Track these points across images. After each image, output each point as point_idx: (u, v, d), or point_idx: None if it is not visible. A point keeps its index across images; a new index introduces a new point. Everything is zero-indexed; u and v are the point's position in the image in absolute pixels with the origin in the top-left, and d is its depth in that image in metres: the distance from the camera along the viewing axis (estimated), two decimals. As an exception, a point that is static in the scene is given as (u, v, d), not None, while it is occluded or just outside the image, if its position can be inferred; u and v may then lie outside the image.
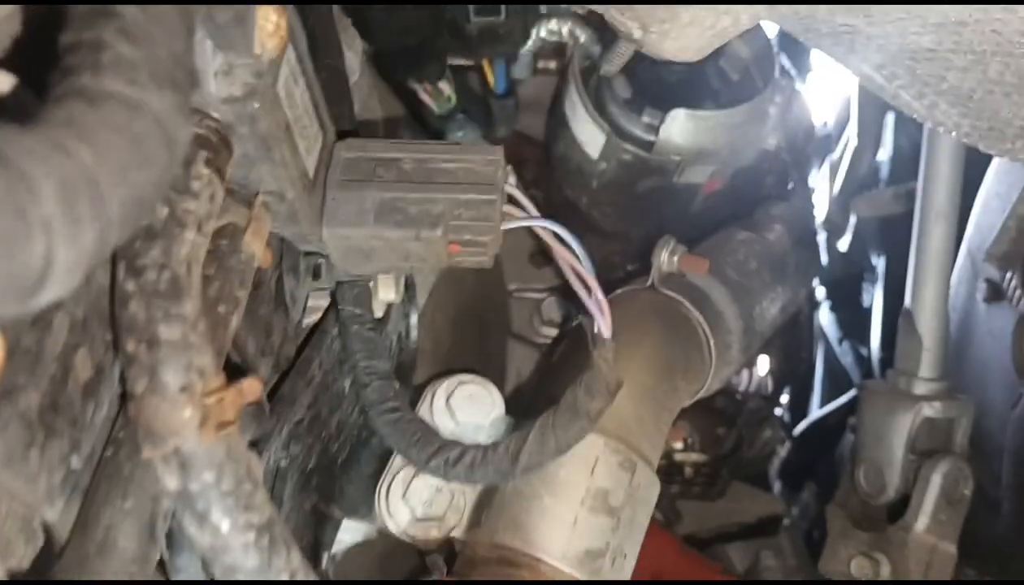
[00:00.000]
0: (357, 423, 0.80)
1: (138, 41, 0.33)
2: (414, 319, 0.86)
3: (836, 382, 1.62)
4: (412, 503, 0.77)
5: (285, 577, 0.44)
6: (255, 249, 0.52)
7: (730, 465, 1.25)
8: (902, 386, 1.00)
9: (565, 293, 1.16)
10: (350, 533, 0.83)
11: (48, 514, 0.43)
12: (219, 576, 0.44)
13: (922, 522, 0.96)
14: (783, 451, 1.54)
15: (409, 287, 0.86)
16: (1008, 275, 1.00)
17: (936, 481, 0.96)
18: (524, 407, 0.91)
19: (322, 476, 0.77)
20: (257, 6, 0.46)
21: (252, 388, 0.45)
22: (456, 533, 0.78)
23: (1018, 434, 0.96)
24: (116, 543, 0.42)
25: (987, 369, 1.04)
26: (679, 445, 1.22)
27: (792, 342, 1.34)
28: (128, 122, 0.31)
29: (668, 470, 1.23)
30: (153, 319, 0.41)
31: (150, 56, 0.33)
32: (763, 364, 1.55)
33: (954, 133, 0.75)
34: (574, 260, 0.58)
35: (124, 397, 0.47)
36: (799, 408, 1.66)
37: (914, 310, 0.99)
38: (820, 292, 1.64)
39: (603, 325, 0.59)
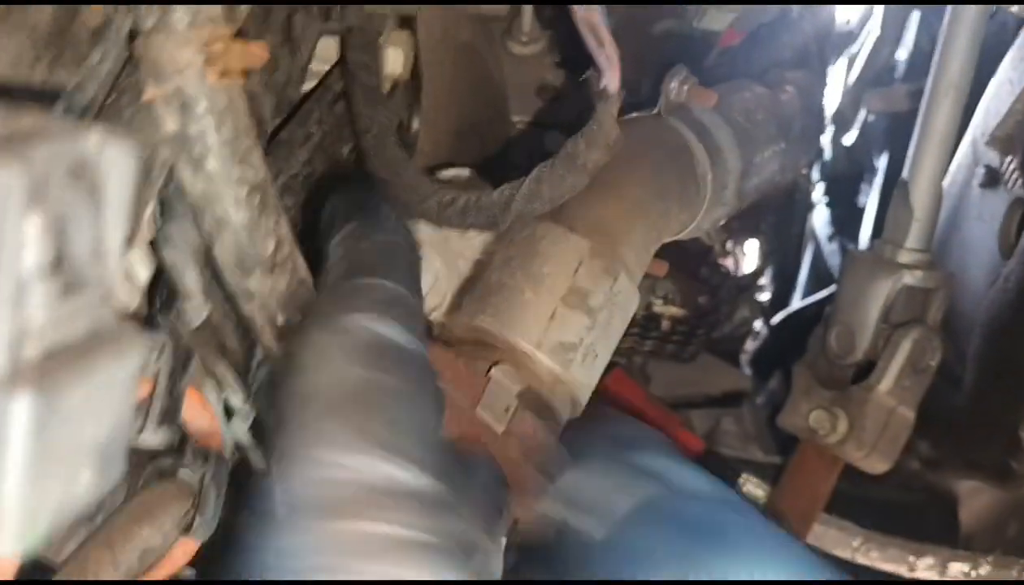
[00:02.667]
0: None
1: None
2: (417, 110, 0.86)
3: (820, 281, 1.64)
4: (396, 279, 0.78)
5: (271, 239, 0.45)
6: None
7: (705, 327, 1.27)
8: (887, 254, 1.01)
9: (568, 130, 1.16)
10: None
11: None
12: (207, 227, 0.45)
13: (885, 384, 0.98)
14: (758, 341, 1.57)
15: (416, 77, 0.85)
16: (1008, 159, 1.00)
17: (905, 347, 0.98)
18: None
19: (310, 239, 0.77)
20: None
21: (260, 49, 0.45)
22: (436, 316, 0.80)
23: (991, 310, 0.98)
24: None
25: (971, 250, 1.05)
26: (660, 301, 1.23)
27: (784, 218, 1.35)
28: None
29: (645, 322, 1.25)
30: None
31: None
32: (752, 252, 1.57)
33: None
34: (590, 12, 0.58)
35: (132, 37, 0.47)
36: (781, 303, 1.68)
37: (910, 181, 1.00)
38: (818, 190, 1.65)
39: (610, 79, 0.59)
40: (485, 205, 0.64)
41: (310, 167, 0.74)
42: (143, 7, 0.42)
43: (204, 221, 0.45)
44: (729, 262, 1.49)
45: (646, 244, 0.85)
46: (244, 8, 0.52)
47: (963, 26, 0.96)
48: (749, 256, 1.56)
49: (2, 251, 0.23)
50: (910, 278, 0.99)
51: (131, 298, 0.49)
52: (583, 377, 0.78)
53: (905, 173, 1.01)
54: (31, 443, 0.23)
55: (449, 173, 0.78)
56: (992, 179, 1.04)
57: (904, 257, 1.00)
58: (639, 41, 1.09)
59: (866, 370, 1.02)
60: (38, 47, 0.41)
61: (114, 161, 0.26)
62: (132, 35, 0.47)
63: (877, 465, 1.00)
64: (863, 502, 1.10)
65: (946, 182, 1.03)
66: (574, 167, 0.61)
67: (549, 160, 0.63)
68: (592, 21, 0.58)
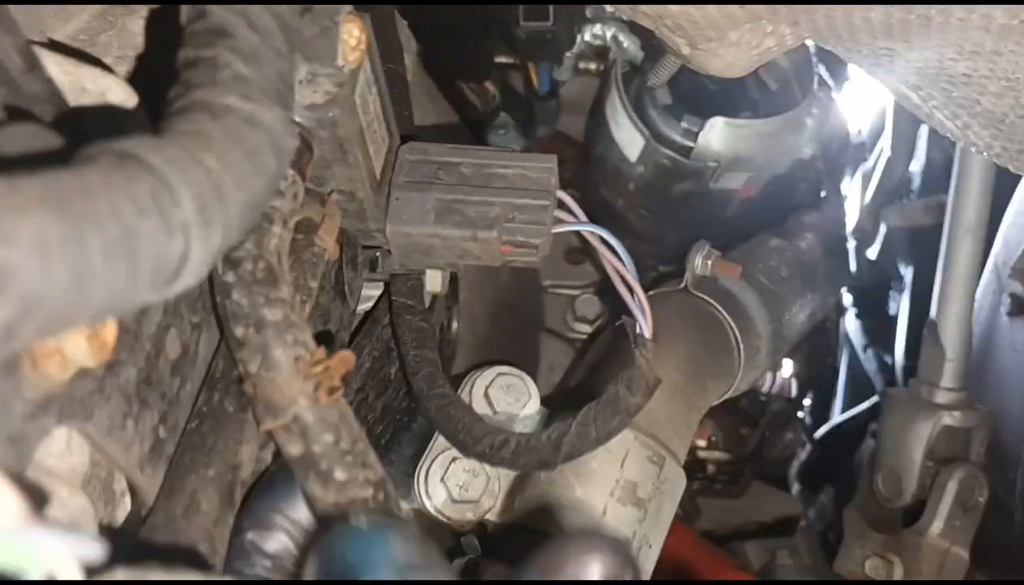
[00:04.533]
0: (400, 407, 0.84)
1: (251, 60, 0.37)
2: (456, 311, 0.90)
3: (859, 389, 1.65)
4: (450, 485, 0.81)
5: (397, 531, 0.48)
6: (327, 244, 0.56)
7: (752, 464, 1.28)
8: (924, 395, 1.03)
9: (599, 291, 1.20)
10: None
11: (138, 479, 0.47)
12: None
13: (936, 527, 0.99)
14: (803, 454, 1.57)
15: (453, 280, 0.90)
16: (1033, 290, 1.02)
17: (952, 487, 0.99)
18: (557, 400, 0.95)
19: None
20: (342, 21, 0.50)
21: (348, 358, 0.49)
22: (490, 516, 0.83)
23: (1035, 444, 0.99)
24: (200, 506, 0.46)
25: (1007, 381, 1.06)
26: (703, 443, 1.25)
27: (818, 347, 1.37)
28: (246, 134, 0.35)
29: (691, 466, 1.26)
30: (256, 304, 0.45)
31: (262, 74, 0.37)
32: (787, 368, 1.58)
33: (985, 154, 0.78)
34: (618, 263, 0.62)
35: (209, 375, 0.51)
36: (821, 413, 1.68)
37: (939, 321, 1.02)
38: (847, 299, 1.66)
39: (645, 326, 0.63)
40: (535, 447, 0.67)
41: (363, 393, 0.78)
42: (244, 353, 0.46)
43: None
44: (767, 383, 1.50)
45: (687, 423, 0.88)
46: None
47: (974, 170, 1.00)
48: (784, 372, 1.58)
49: None
50: (949, 419, 1.00)
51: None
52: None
53: (933, 313, 1.04)
54: None
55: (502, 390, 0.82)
56: (1019, 308, 1.06)
57: (941, 397, 1.01)
58: (660, 200, 1.14)
59: (916, 510, 1.02)
60: (131, 401, 0.46)
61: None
62: (208, 376, 0.51)
63: (937, 608, 1.00)
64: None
65: (973, 311, 1.05)
66: (618, 411, 0.65)
67: (594, 402, 0.66)
68: (619, 270, 0.62)
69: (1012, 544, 1.05)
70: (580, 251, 1.22)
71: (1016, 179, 1.11)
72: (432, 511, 0.82)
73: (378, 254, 0.70)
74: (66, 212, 0.27)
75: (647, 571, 0.81)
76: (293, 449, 0.46)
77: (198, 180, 0.32)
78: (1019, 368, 1.05)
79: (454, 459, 0.82)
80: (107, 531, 0.46)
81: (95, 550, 0.26)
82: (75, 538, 0.25)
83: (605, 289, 1.19)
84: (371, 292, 0.80)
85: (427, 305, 0.82)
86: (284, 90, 0.38)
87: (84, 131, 0.35)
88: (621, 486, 0.79)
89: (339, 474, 0.46)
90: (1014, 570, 1.06)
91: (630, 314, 0.63)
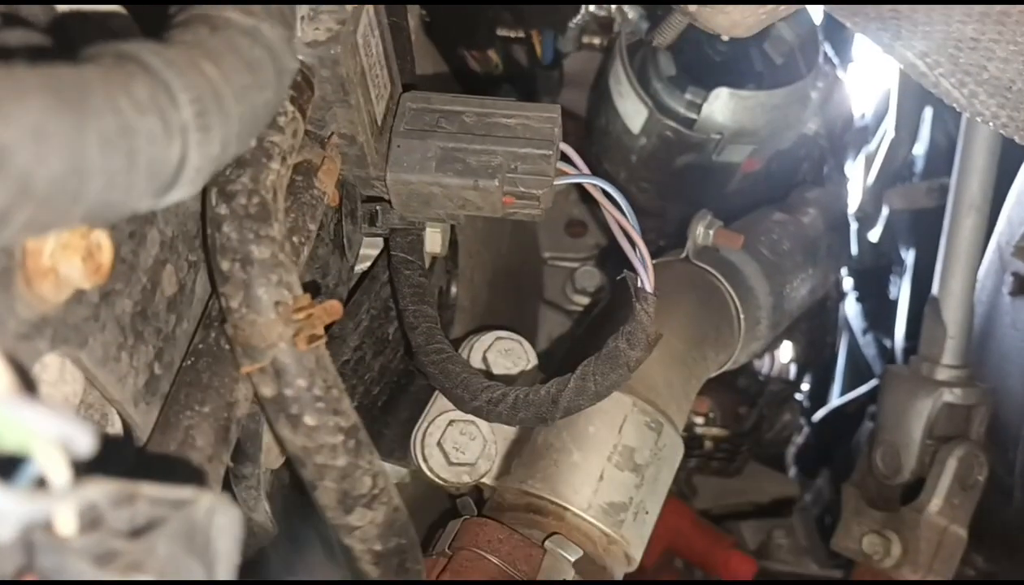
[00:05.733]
0: (398, 369, 0.84)
1: (252, -23, 0.36)
2: (455, 276, 0.90)
3: (858, 372, 1.65)
4: (446, 448, 0.81)
5: (368, 477, 0.48)
6: (326, 187, 0.55)
7: (749, 443, 1.28)
8: (924, 372, 1.02)
9: (599, 263, 1.19)
10: (384, 475, 0.87)
11: (132, 415, 0.46)
12: (308, 476, 0.48)
13: (935, 504, 0.99)
14: (801, 437, 1.57)
15: (452, 245, 0.89)
16: (1036, 269, 1.02)
17: (951, 465, 0.99)
18: (556, 367, 0.94)
19: (363, 418, 0.80)
20: (345, -43, 0.49)
21: (335, 307, 0.48)
22: (487, 480, 0.82)
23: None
24: (195, 442, 0.46)
25: (1008, 360, 1.06)
26: (701, 419, 1.25)
27: (817, 328, 1.36)
28: (246, 47, 0.34)
29: (688, 443, 1.26)
30: (245, 239, 0.45)
31: (263, -9, 0.36)
32: (787, 350, 1.58)
33: (991, 123, 0.77)
34: (620, 216, 0.61)
35: (206, 314, 0.51)
36: (820, 396, 1.68)
37: (940, 298, 1.02)
38: (847, 283, 1.66)
39: (646, 279, 0.62)
40: (533, 402, 0.67)
41: (360, 352, 0.77)
42: (228, 287, 0.46)
43: (305, 471, 0.48)
44: (765, 365, 1.50)
45: (686, 392, 0.87)
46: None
47: (979, 146, 0.99)
48: (784, 355, 1.57)
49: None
50: (950, 396, 1.00)
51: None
52: (635, 535, 0.79)
53: (935, 290, 1.03)
54: None
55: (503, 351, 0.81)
56: (1022, 288, 1.05)
57: (942, 374, 1.01)
58: (662, 173, 1.13)
59: (914, 488, 1.02)
60: (126, 333, 0.45)
61: (222, 525, 0.29)
62: (204, 315, 0.51)
63: (934, 585, 0.99)
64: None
65: (976, 289, 1.04)
66: (617, 365, 0.64)
67: (593, 357, 0.66)
68: (622, 223, 0.61)
69: (1010, 523, 1.04)
70: (580, 223, 1.21)
71: (1020, 159, 1.11)
72: (428, 474, 0.81)
73: (378, 207, 0.70)
74: (64, 101, 0.26)
75: (644, 537, 0.81)
76: (266, 390, 0.46)
77: (198, 85, 0.31)
78: (1020, 348, 1.05)
79: (451, 422, 0.81)
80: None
81: (84, 444, 0.25)
82: (64, 421, 0.25)
83: (605, 261, 1.19)
84: (370, 251, 0.79)
85: (426, 266, 0.81)
86: (287, 12, 0.37)
87: (74, 37, 0.35)
88: (619, 451, 0.79)
89: (309, 419, 0.46)
90: (1011, 549, 1.06)
91: (633, 270, 0.63)
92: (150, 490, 0.30)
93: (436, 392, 0.81)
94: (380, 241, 0.78)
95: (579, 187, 1.19)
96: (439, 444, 0.81)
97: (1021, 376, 1.04)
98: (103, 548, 0.27)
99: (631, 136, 1.10)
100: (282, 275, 0.46)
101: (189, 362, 0.49)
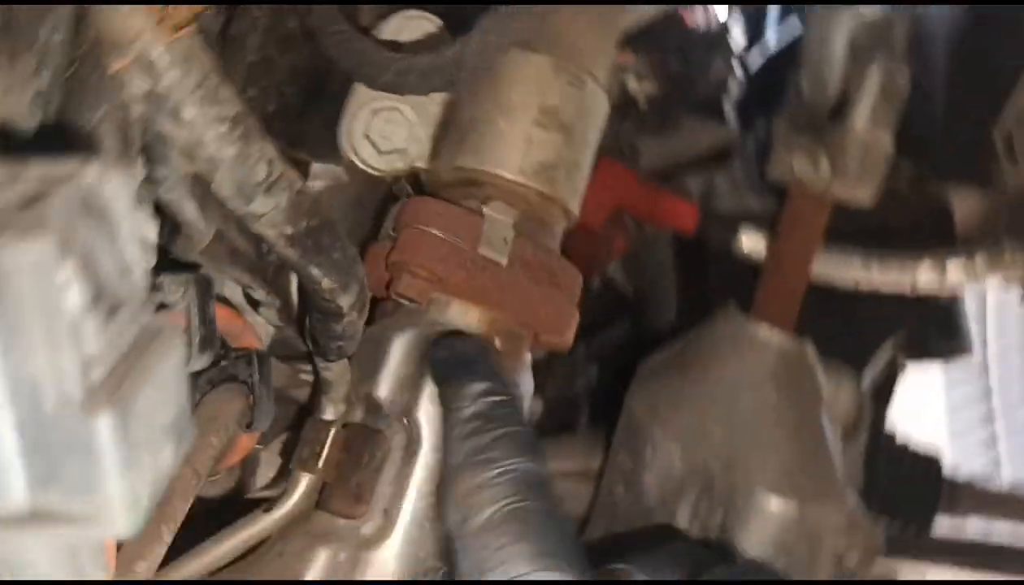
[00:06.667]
0: (311, 69, 0.82)
1: None
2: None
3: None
4: (374, 138, 0.81)
5: (262, 164, 0.49)
6: None
7: (682, 92, 1.29)
8: (845, -11, 1.01)
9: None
10: (321, 178, 0.88)
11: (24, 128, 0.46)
12: (203, 170, 0.48)
13: (860, 114, 1.01)
14: (737, 86, 1.57)
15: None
16: None
17: (874, 79, 1.00)
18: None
19: (284, 120, 0.80)
20: None
21: (204, -7, 0.46)
22: (420, 163, 0.83)
23: (956, 21, 0.99)
24: (102, 144, 0.46)
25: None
26: (632, 79, 1.24)
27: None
28: None
29: (623, 105, 1.27)
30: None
31: None
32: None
33: None
34: None
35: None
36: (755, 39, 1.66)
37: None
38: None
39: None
40: (440, 66, 0.66)
41: (264, 51, 0.75)
42: None
43: (197, 164, 0.48)
44: (699, 17, 1.47)
45: (603, 41, 0.86)
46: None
47: None
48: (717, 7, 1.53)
49: (54, 306, 0.27)
50: (868, 11, 0.99)
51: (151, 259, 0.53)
52: (570, 190, 0.82)
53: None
54: (118, 449, 0.28)
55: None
56: None
57: (862, -12, 1.00)
58: None
59: (842, 108, 1.04)
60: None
61: (116, 187, 0.30)
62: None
63: (863, 195, 1.04)
64: (862, 234, 1.14)
65: None
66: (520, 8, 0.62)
67: (493, 9, 0.64)
68: None
69: (932, 123, 1.08)
70: None
71: None
72: (362, 166, 0.82)
73: None
74: None
75: (579, 191, 0.83)
76: (138, 86, 0.45)
77: None
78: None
79: (374, 112, 0.80)
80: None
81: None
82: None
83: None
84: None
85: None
86: None
87: None
88: (543, 112, 0.79)
89: (189, 112, 0.46)
90: (933, 150, 1.10)
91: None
92: (35, 169, 0.31)
93: (354, 85, 0.79)
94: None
95: None
96: (366, 136, 0.81)
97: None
98: (-7, 221, 0.28)
99: None
100: None
101: (72, 70, 0.48)
